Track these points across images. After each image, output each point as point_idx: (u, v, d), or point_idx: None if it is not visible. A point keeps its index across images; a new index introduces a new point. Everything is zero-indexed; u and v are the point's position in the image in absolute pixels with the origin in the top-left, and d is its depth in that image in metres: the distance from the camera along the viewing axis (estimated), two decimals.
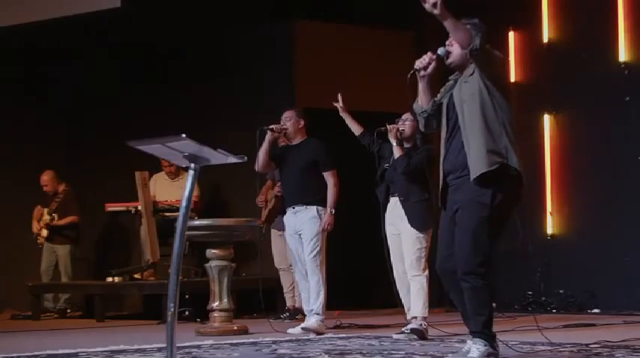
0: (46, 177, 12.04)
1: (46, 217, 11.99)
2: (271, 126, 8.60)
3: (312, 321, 8.45)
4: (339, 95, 8.41)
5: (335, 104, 8.45)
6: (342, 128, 10.41)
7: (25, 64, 12.81)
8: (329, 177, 8.60)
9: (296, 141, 8.75)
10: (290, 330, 8.55)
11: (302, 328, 8.40)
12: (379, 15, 11.76)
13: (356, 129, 8.37)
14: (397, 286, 7.99)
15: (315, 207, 8.55)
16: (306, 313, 8.71)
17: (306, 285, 8.68)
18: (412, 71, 6.12)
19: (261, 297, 9.14)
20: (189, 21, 11.98)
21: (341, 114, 8.43)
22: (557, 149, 10.81)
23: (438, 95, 6.15)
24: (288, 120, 8.70)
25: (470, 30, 5.86)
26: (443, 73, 6.24)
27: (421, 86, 6.13)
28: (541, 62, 10.98)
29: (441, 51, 6.16)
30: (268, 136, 8.59)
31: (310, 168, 8.59)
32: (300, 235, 8.60)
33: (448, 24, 5.84)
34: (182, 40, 12.07)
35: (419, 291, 7.82)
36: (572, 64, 10.67)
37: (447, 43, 6.14)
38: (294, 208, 8.63)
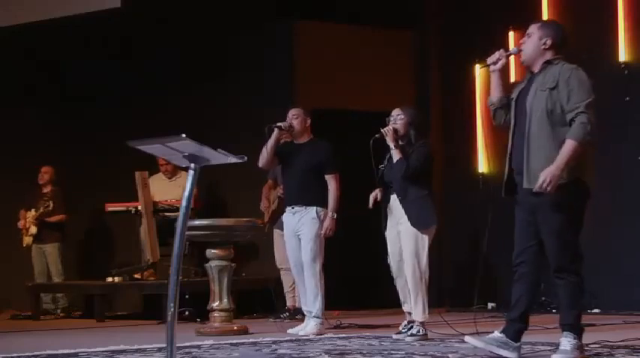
0: (46, 169, 12.06)
1: (33, 213, 11.97)
2: (279, 124, 8.58)
3: (311, 326, 8.44)
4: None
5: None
6: (341, 128, 10.43)
7: (24, 64, 12.82)
8: (331, 181, 8.58)
9: (302, 139, 8.72)
10: (290, 330, 8.55)
11: (301, 335, 8.35)
12: (379, 15, 11.76)
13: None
14: (395, 282, 8.00)
15: (314, 208, 8.54)
16: (305, 313, 8.71)
17: (304, 286, 8.67)
18: (483, 66, 6.33)
19: (274, 297, 9.12)
20: (190, 21, 11.99)
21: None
22: None
23: (514, 91, 6.30)
24: (296, 118, 8.68)
25: (577, 138, 5.94)
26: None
27: (492, 80, 6.34)
28: None
29: (513, 50, 6.37)
30: (275, 134, 8.56)
31: (313, 169, 8.57)
32: (299, 236, 8.59)
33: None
34: (182, 40, 12.07)
35: (417, 295, 7.81)
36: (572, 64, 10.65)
37: (521, 41, 6.29)
38: (293, 208, 8.62)
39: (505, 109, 6.29)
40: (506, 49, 6.37)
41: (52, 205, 11.86)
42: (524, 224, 6.19)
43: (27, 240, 12.07)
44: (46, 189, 12.14)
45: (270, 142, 8.55)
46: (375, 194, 7.98)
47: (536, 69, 6.16)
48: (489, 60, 6.29)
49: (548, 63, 6.14)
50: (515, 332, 6.21)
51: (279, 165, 8.88)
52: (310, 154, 8.60)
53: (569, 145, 5.93)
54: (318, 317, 8.47)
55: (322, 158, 8.58)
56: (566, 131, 5.96)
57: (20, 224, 12.08)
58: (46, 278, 12.07)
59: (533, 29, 6.21)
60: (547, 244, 6.05)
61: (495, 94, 6.31)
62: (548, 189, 5.87)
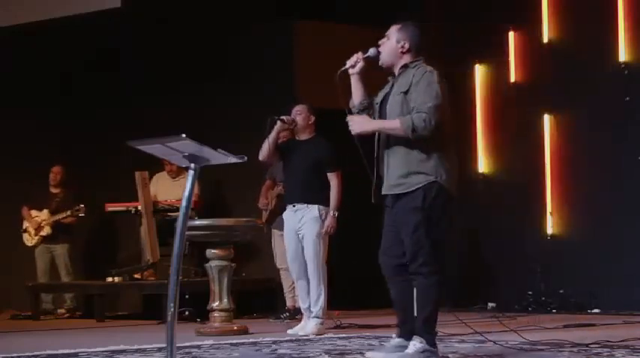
0: (57, 170, 12.06)
1: (46, 214, 11.96)
2: (282, 117, 8.54)
3: (310, 326, 8.43)
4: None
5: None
6: (342, 128, 10.38)
7: (24, 64, 12.82)
8: (333, 178, 8.56)
9: (304, 136, 8.70)
10: (289, 331, 8.55)
11: (300, 335, 8.34)
12: (379, 15, 11.75)
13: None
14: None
15: (316, 206, 8.51)
16: (303, 312, 8.71)
17: (303, 284, 8.67)
18: (342, 69, 6.21)
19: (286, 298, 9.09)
20: (190, 21, 11.99)
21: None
22: (557, 149, 10.81)
23: (378, 95, 6.26)
24: (299, 114, 8.65)
25: (403, 124, 5.88)
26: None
27: (352, 84, 6.28)
28: (541, 62, 10.98)
29: (371, 52, 6.24)
30: (278, 126, 8.51)
31: (315, 167, 8.54)
32: (300, 234, 8.58)
33: (374, 129, 6.07)
34: (182, 40, 12.08)
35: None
36: (572, 64, 10.67)
37: (379, 42, 6.23)
38: (294, 206, 8.59)
39: (368, 112, 6.21)
40: (365, 51, 6.28)
41: (83, 209, 11.80)
42: (386, 227, 6.15)
43: (36, 240, 12.05)
44: (57, 190, 12.12)
45: (272, 134, 8.48)
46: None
47: (396, 72, 6.14)
48: (348, 63, 6.22)
49: (405, 66, 6.11)
50: (409, 332, 6.14)
51: (280, 161, 8.85)
52: (312, 151, 8.57)
53: (392, 123, 5.94)
54: (318, 317, 8.46)
55: (324, 155, 8.56)
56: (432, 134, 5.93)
57: (31, 224, 12.03)
58: (49, 278, 12.07)
59: (392, 31, 6.22)
60: (405, 245, 5.98)
61: (356, 98, 6.24)
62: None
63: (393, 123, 5.95)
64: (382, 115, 6.10)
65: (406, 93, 5.98)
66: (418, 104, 5.89)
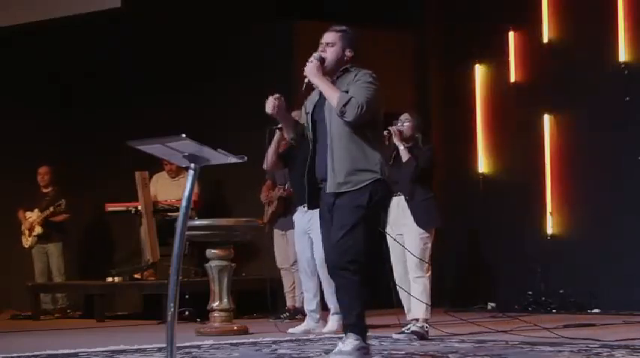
0: (44, 170, 12.05)
1: (37, 213, 11.96)
2: (280, 126, 8.56)
3: (332, 323, 8.45)
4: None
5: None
6: None
7: (24, 64, 12.82)
8: None
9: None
10: (290, 330, 8.55)
11: (324, 331, 8.37)
12: (379, 15, 11.76)
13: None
14: (398, 288, 7.98)
15: None
16: (306, 313, 8.71)
17: (310, 285, 8.68)
18: (305, 82, 6.28)
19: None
20: (190, 21, 11.98)
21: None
22: (557, 149, 10.81)
23: (306, 105, 6.35)
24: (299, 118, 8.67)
25: (341, 97, 6.01)
26: None
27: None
28: (541, 62, 10.98)
29: (315, 56, 6.27)
30: (277, 136, 8.57)
31: None
32: (310, 235, 8.57)
33: (319, 85, 6.17)
34: (182, 40, 12.07)
35: (422, 294, 7.79)
36: (572, 64, 10.67)
37: (320, 49, 6.28)
38: (304, 207, 8.58)
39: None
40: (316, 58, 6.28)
41: (64, 204, 11.83)
42: (327, 232, 6.16)
43: (31, 240, 12.05)
44: (47, 190, 12.12)
45: (273, 145, 8.57)
46: None
47: (332, 77, 6.19)
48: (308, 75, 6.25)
49: (346, 70, 6.21)
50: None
51: (285, 168, 8.90)
52: None
53: (334, 90, 6.05)
54: (339, 313, 8.51)
55: None
56: (366, 129, 6.04)
57: (25, 225, 12.05)
58: (47, 278, 12.06)
59: (335, 38, 6.23)
60: (332, 241, 6.02)
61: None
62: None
63: (334, 91, 6.06)
64: (319, 122, 6.18)
65: (347, 92, 6.07)
66: (356, 95, 6.01)
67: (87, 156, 12.64)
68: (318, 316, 8.69)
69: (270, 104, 6.27)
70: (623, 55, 10.37)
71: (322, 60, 6.19)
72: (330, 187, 6.06)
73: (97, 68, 12.57)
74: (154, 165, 11.25)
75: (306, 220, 8.59)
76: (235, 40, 11.86)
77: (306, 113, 6.31)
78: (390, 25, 11.84)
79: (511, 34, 11.15)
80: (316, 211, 8.44)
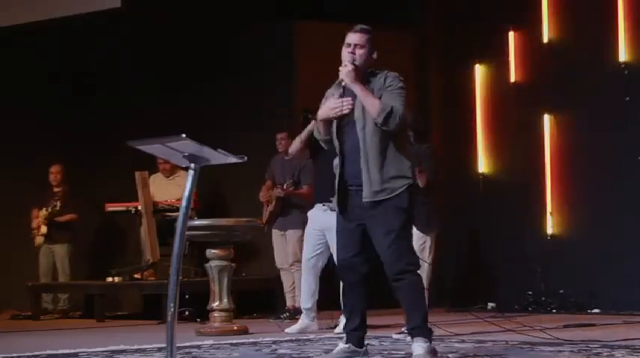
0: (56, 169, 12.05)
1: (44, 213, 11.96)
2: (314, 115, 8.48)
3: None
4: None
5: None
6: None
7: (25, 64, 12.82)
8: None
9: None
10: (287, 330, 8.55)
11: (336, 333, 8.36)
12: (379, 15, 11.76)
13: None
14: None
15: None
16: (305, 311, 8.71)
17: (310, 279, 8.67)
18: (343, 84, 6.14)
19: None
20: (190, 21, 11.98)
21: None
22: (557, 149, 10.80)
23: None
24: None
25: (382, 107, 5.91)
26: None
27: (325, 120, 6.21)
28: (541, 62, 10.98)
29: (349, 59, 6.12)
30: (311, 125, 8.41)
31: None
32: (326, 234, 8.46)
33: (357, 92, 6.02)
34: (182, 40, 12.07)
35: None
36: (572, 64, 10.67)
37: (348, 50, 6.16)
38: (324, 205, 8.50)
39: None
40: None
41: (59, 205, 11.84)
42: (349, 233, 6.14)
43: (38, 239, 12.05)
44: (58, 189, 12.12)
45: (304, 133, 8.38)
46: None
47: (360, 81, 6.07)
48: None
49: (371, 74, 6.11)
50: (358, 339, 6.25)
51: (310, 159, 8.82)
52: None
53: (374, 99, 5.92)
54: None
55: None
56: (397, 135, 5.97)
57: (34, 224, 12.05)
58: (51, 279, 12.06)
59: (364, 40, 6.13)
60: (383, 248, 5.98)
61: (325, 131, 6.21)
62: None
63: (374, 99, 5.96)
64: (348, 127, 6.06)
65: (380, 97, 5.98)
66: (394, 103, 5.93)
67: (87, 156, 12.64)
68: (313, 315, 8.68)
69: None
70: (623, 55, 10.37)
71: (355, 63, 6.06)
72: (366, 196, 5.97)
73: (97, 68, 12.57)
74: (154, 165, 11.25)
75: (327, 219, 8.39)
76: (235, 40, 11.86)
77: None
78: (390, 25, 11.83)
79: (511, 34, 11.15)
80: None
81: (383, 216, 5.96)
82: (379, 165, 5.95)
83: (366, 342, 6.31)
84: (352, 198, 6.07)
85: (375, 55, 6.13)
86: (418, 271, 6.06)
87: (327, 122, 6.16)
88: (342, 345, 6.24)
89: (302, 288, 8.87)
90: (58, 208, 11.84)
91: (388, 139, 5.96)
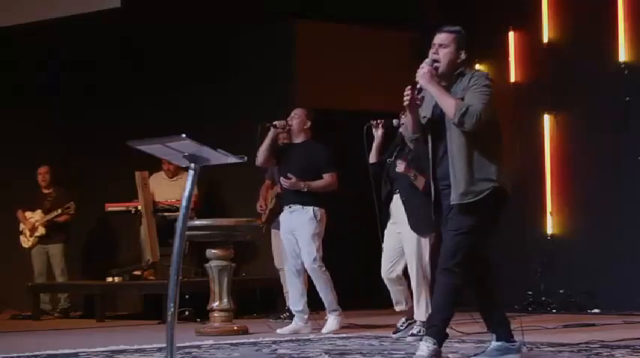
0: (44, 170, 12.04)
1: (40, 214, 11.94)
2: (274, 123, 8.61)
3: (331, 322, 8.48)
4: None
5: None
6: (341, 128, 10.39)
7: (24, 64, 12.82)
8: (327, 177, 8.59)
9: (299, 139, 8.74)
10: (279, 330, 8.55)
11: (324, 332, 8.39)
12: (379, 15, 11.77)
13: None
14: (385, 282, 8.04)
15: (312, 207, 8.55)
16: (294, 313, 8.73)
17: (296, 282, 8.68)
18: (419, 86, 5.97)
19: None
20: (190, 21, 11.98)
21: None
22: (557, 149, 10.81)
23: (421, 110, 6.06)
24: (296, 117, 8.71)
25: (457, 106, 5.78)
26: None
27: (410, 117, 6.06)
28: (541, 62, 10.98)
29: (427, 60, 5.97)
30: (272, 132, 8.59)
31: (310, 169, 8.59)
32: (295, 235, 8.59)
33: (433, 93, 5.88)
34: (182, 39, 12.07)
35: (420, 295, 7.81)
36: (572, 64, 10.67)
37: (432, 50, 6.02)
38: (290, 207, 8.63)
39: (424, 132, 6.09)
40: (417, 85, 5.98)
41: (73, 207, 11.81)
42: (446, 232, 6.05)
43: (31, 241, 12.03)
44: (48, 190, 12.11)
45: (267, 141, 8.59)
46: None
47: (447, 81, 5.95)
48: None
49: (459, 74, 5.98)
50: (506, 333, 6.17)
51: (277, 165, 8.90)
52: (306, 155, 8.62)
53: (449, 98, 5.80)
54: (335, 310, 8.51)
55: (318, 160, 8.60)
56: (485, 135, 5.86)
57: (26, 225, 12.02)
58: (46, 279, 12.05)
59: (449, 40, 6.01)
60: (445, 242, 5.94)
61: (413, 128, 6.06)
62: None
63: (450, 99, 5.82)
64: (438, 128, 5.95)
65: (462, 99, 5.86)
66: (473, 102, 5.80)
67: (87, 156, 12.63)
68: (306, 316, 8.69)
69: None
70: (623, 55, 10.37)
71: (435, 63, 5.93)
72: (453, 199, 5.86)
73: (96, 68, 12.57)
74: (155, 165, 11.25)
75: (292, 220, 8.59)
76: (235, 40, 11.86)
77: (423, 117, 6.03)
78: (390, 25, 11.84)
79: (511, 34, 11.15)
80: (303, 211, 8.51)
81: (459, 215, 5.86)
82: (465, 167, 5.83)
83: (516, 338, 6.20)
84: (445, 198, 5.97)
85: (463, 55, 5.98)
86: (459, 276, 5.96)
87: (416, 120, 6.03)
88: (494, 343, 6.12)
89: (290, 292, 8.87)
90: (72, 211, 11.80)
91: (474, 140, 5.83)
